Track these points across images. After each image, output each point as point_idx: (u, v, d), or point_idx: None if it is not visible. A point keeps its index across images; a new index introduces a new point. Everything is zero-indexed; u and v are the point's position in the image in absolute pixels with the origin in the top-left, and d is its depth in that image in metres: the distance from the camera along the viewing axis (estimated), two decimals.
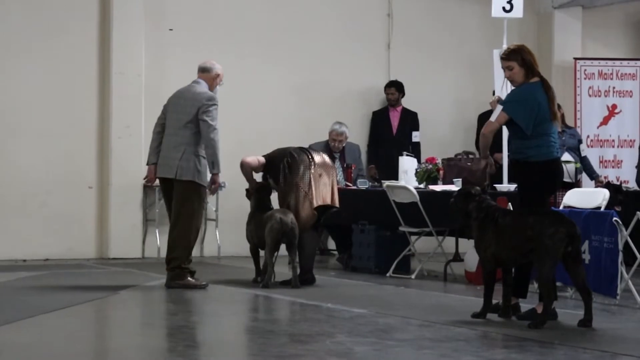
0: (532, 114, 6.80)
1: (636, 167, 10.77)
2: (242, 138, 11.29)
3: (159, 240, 11.33)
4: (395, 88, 12.23)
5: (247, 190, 8.97)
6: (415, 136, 12.20)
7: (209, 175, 8.47)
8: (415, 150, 11.77)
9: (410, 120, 12.27)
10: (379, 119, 12.30)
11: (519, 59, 6.89)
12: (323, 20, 12.33)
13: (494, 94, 9.23)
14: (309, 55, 12.21)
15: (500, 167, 9.72)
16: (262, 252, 8.67)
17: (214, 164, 8.36)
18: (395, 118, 12.26)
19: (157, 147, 8.58)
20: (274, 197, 8.89)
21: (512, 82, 7.01)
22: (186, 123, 8.40)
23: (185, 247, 8.40)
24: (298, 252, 8.66)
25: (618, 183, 11.01)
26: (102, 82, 11.34)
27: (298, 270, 8.60)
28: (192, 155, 8.37)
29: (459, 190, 7.20)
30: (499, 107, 6.90)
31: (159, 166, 8.54)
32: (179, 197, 8.42)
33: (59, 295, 8.01)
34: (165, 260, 8.49)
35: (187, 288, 8.31)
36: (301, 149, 8.87)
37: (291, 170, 8.65)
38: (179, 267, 8.38)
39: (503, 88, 8.18)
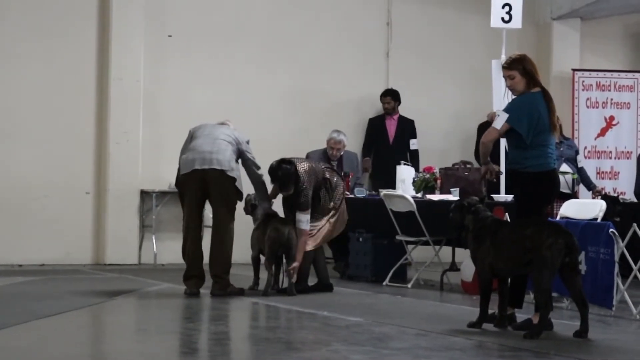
0: (532, 123, 6.80)
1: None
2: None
3: (156, 247, 11.33)
4: (391, 97, 12.23)
5: (245, 203, 8.91)
6: (413, 144, 12.20)
7: None
8: (413, 157, 11.78)
9: (408, 127, 12.27)
10: (375, 127, 12.30)
11: (520, 68, 6.90)
12: (322, 28, 12.35)
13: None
14: (307, 62, 12.22)
15: (498, 177, 9.72)
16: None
17: (263, 197, 8.66)
18: (391, 126, 12.26)
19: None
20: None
21: (513, 91, 7.02)
22: (227, 136, 8.47)
23: (230, 252, 8.39)
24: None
25: (615, 195, 11.02)
26: (101, 88, 11.35)
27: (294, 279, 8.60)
28: (236, 161, 8.40)
29: (454, 203, 7.20)
30: (503, 116, 6.89)
31: (197, 160, 8.35)
32: (222, 193, 8.31)
33: (55, 300, 8.00)
34: (210, 267, 8.37)
35: (232, 295, 8.33)
36: (331, 168, 9.03)
37: (331, 198, 8.76)
38: (228, 273, 8.37)
39: (504, 97, 8.19)
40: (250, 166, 8.55)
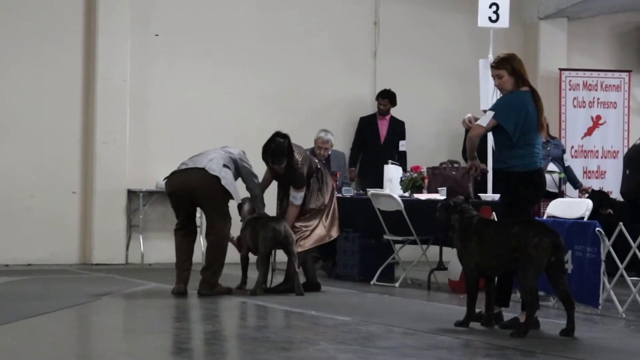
0: (520, 121, 6.82)
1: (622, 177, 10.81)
2: (225, 145, 11.27)
3: (143, 246, 11.31)
4: (388, 100, 12.24)
5: (239, 205, 8.91)
6: (402, 145, 12.23)
7: None
8: (401, 159, 11.79)
9: (398, 129, 12.30)
10: (366, 127, 12.31)
11: (508, 67, 6.91)
12: (310, 28, 12.35)
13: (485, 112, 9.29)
14: (295, 62, 12.22)
15: (486, 176, 9.74)
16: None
17: (261, 206, 8.65)
18: (383, 126, 12.28)
19: None
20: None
21: (501, 90, 7.03)
22: (215, 148, 8.56)
23: (219, 254, 8.37)
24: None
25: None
26: (87, 88, 11.32)
27: (299, 277, 8.61)
28: (230, 173, 8.40)
29: (440, 202, 7.21)
30: (490, 113, 6.91)
31: (178, 166, 8.46)
32: (206, 193, 8.28)
33: (42, 300, 7.98)
34: (204, 267, 8.40)
35: (219, 295, 8.33)
36: (325, 167, 9.10)
37: (321, 191, 8.79)
38: (216, 274, 8.36)
39: (493, 97, 8.20)
40: (247, 175, 8.54)
